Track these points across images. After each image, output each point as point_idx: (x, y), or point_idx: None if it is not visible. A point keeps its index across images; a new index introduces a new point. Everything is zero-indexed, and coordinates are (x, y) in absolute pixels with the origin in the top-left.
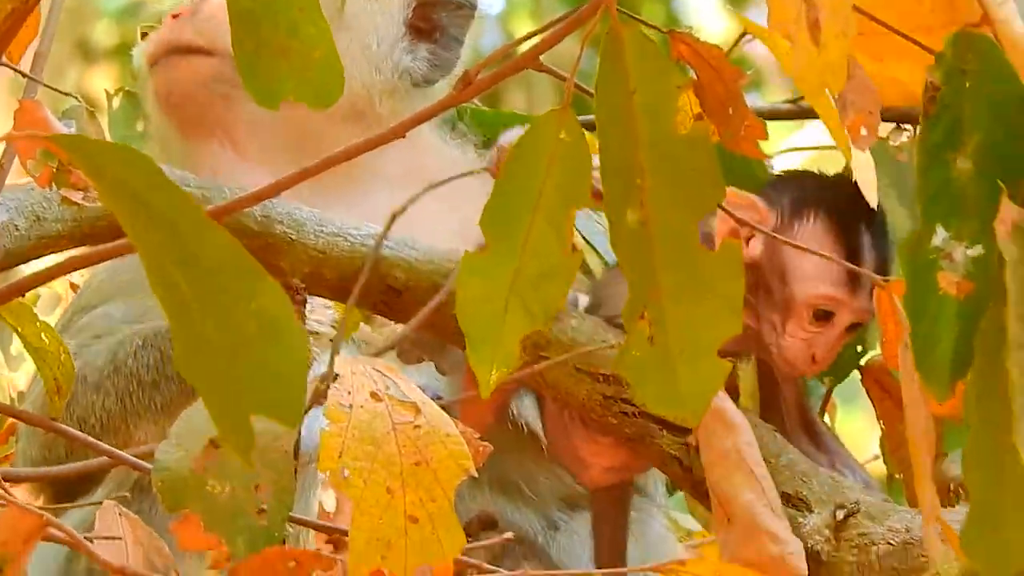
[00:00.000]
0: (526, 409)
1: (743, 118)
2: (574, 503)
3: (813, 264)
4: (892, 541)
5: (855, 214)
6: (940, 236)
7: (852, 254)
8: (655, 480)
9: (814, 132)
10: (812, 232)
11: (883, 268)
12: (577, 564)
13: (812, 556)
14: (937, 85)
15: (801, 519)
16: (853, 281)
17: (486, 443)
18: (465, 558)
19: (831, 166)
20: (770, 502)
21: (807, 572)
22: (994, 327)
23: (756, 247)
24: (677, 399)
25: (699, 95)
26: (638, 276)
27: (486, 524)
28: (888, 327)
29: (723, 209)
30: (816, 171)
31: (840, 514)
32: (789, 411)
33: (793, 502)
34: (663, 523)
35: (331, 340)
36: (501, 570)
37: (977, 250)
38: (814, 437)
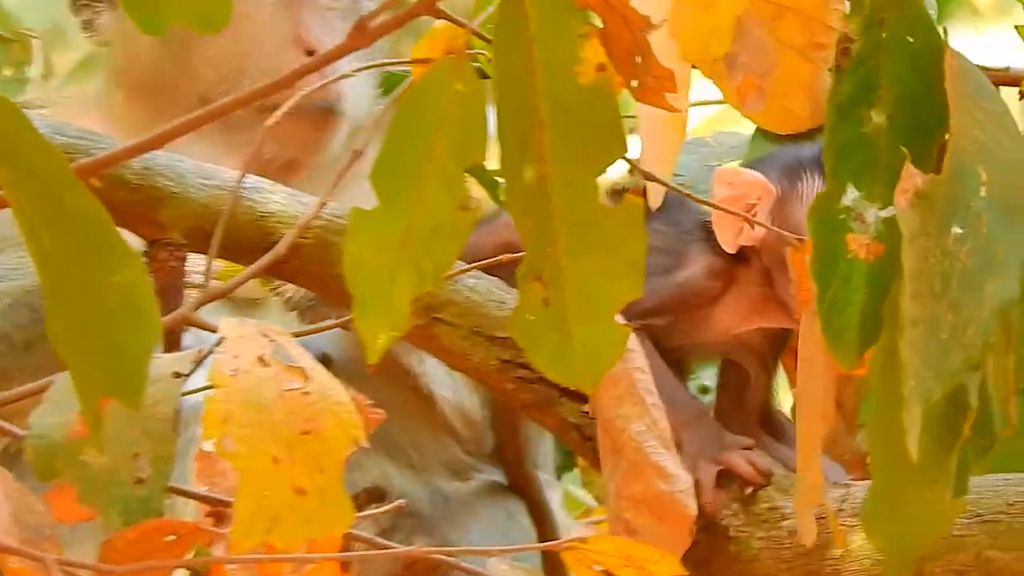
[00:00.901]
0: (431, 369)
1: (651, 69)
2: (464, 473)
3: None
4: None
5: None
6: (851, 195)
7: None
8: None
9: None
10: (815, 189)
11: None
12: (467, 536)
13: (720, 531)
14: (851, 36)
15: None
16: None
17: (379, 411)
18: (354, 531)
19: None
20: (661, 434)
21: (696, 513)
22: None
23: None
24: (572, 364)
25: (604, 44)
26: (534, 235)
27: (375, 496)
28: (804, 290)
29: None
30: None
31: (749, 487)
32: (753, 402)
33: None
34: (558, 499)
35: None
36: (391, 543)
37: (889, 211)
38: (775, 428)
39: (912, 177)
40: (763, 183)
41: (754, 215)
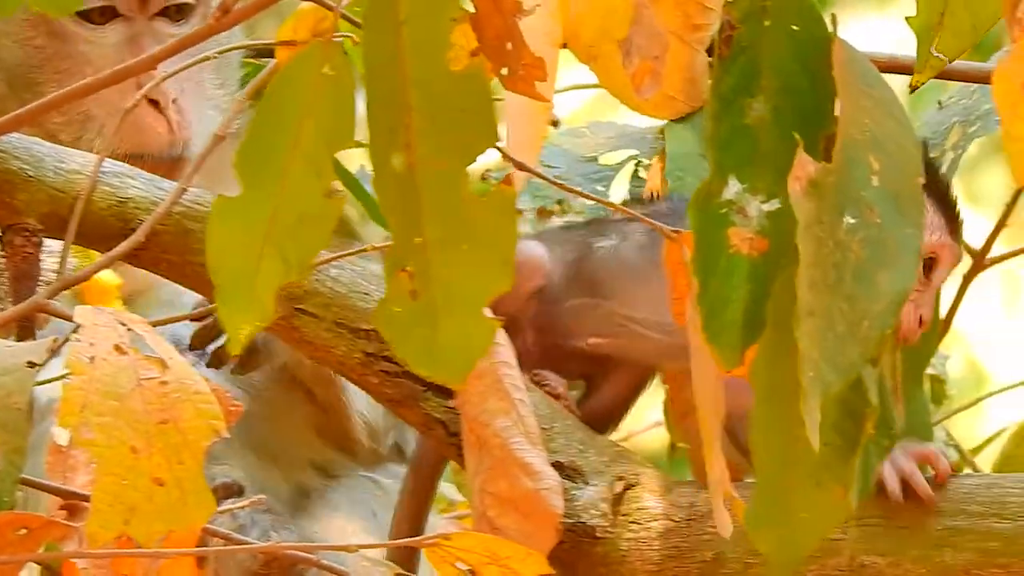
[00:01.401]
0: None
1: (522, 56)
2: (328, 471)
3: None
4: (674, 517)
5: (932, 166)
6: (733, 188)
7: (943, 201)
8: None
9: None
10: None
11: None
12: (327, 532)
13: (586, 532)
14: (734, 24)
15: (576, 491)
16: (952, 227)
17: (238, 403)
18: (211, 526)
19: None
20: (527, 430)
21: (562, 510)
22: (788, 290)
23: None
24: (439, 358)
25: (476, 29)
26: (402, 224)
27: (232, 491)
28: (677, 282)
29: None
30: None
31: (618, 487)
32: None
33: (567, 472)
34: None
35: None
36: (248, 540)
37: (773, 205)
38: None
39: (805, 165)
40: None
41: None
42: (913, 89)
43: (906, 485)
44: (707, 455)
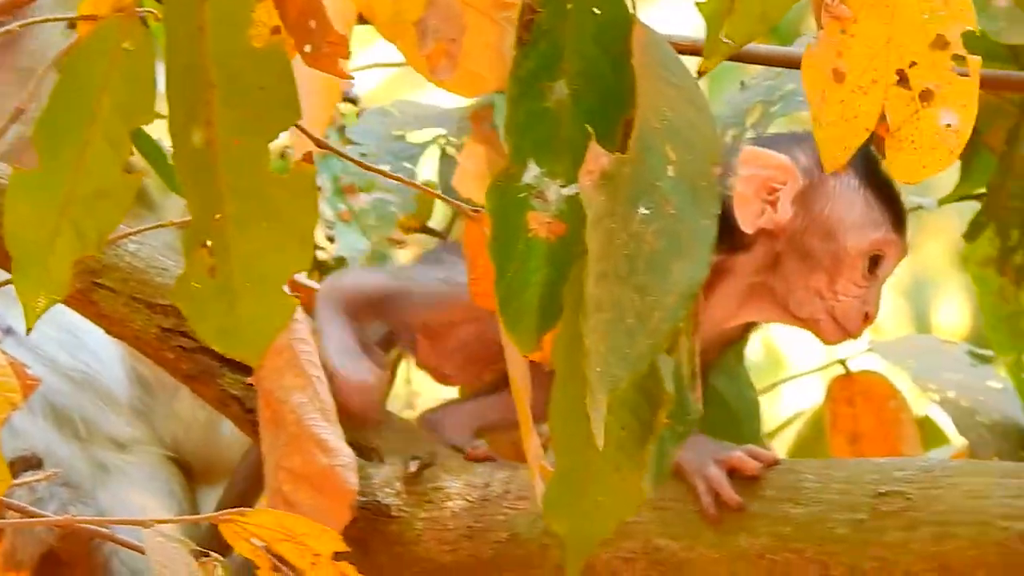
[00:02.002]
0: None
1: (326, 33)
2: (126, 446)
3: (860, 213)
4: (469, 497)
5: (872, 159)
6: (532, 172)
7: (887, 195)
8: None
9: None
10: (848, 184)
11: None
12: (125, 508)
13: (381, 511)
14: (535, 7)
15: (371, 469)
16: (898, 222)
17: (36, 377)
18: (8, 500)
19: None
20: (323, 407)
21: (357, 486)
22: (583, 276)
23: (786, 210)
24: (237, 335)
25: (279, 7)
26: (201, 201)
27: (30, 464)
28: (476, 262)
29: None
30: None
31: (413, 466)
32: None
33: (363, 451)
34: None
35: None
36: (44, 512)
37: (572, 189)
38: None
39: (598, 157)
40: (791, 168)
41: (776, 200)
42: (700, 74)
43: (717, 495)
44: (523, 432)
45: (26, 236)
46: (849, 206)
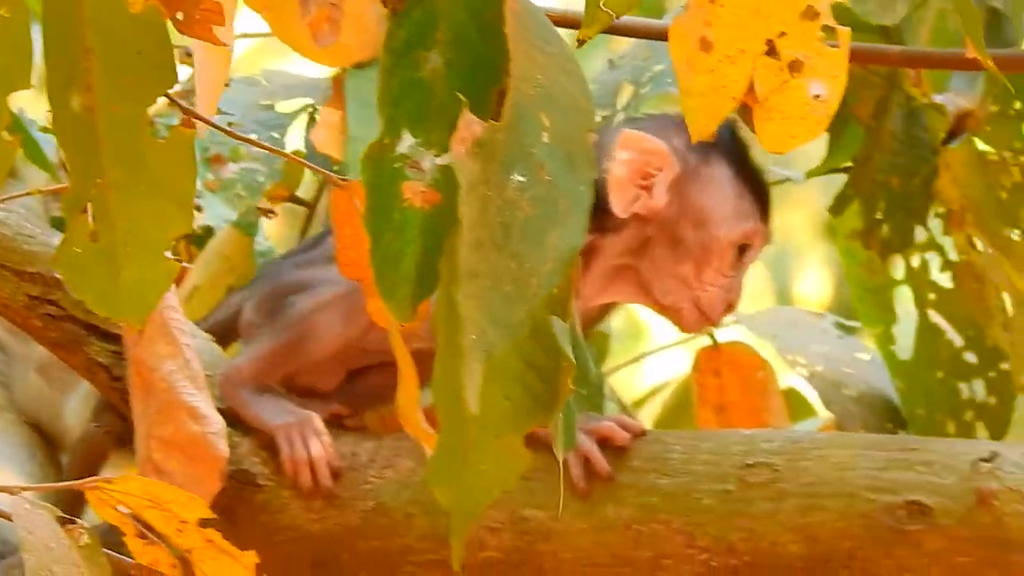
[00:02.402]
0: None
1: (199, 1)
2: None
3: (732, 203)
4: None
5: (743, 147)
6: (407, 142)
7: (755, 185)
8: None
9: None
10: (722, 173)
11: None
12: None
13: (248, 479)
14: None
15: (238, 438)
16: (766, 211)
17: None
18: None
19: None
20: (193, 374)
21: (227, 454)
22: (457, 245)
23: (661, 197)
24: (121, 299)
25: None
26: (82, 167)
27: None
28: (343, 232)
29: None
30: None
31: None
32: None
33: (230, 420)
34: None
35: None
36: None
37: (446, 159)
38: None
39: (470, 125)
40: (668, 154)
41: (651, 186)
42: (580, 43)
43: (588, 465)
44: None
45: None
46: (722, 196)
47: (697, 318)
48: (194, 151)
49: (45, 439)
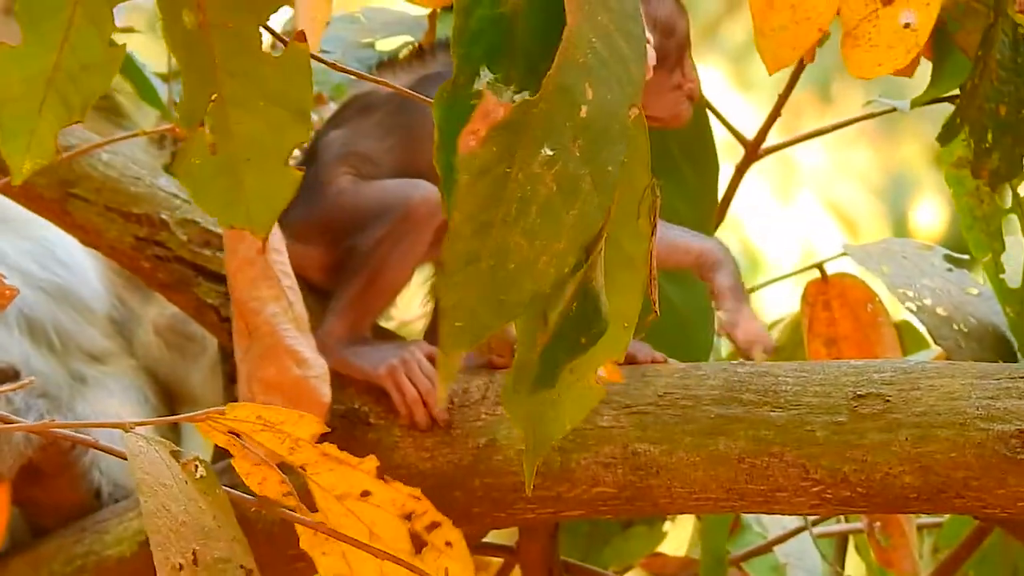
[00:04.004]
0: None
1: None
2: (103, 359)
3: (671, 5)
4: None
5: None
6: (484, 79)
7: None
8: None
9: None
10: None
11: None
12: (104, 419)
13: (359, 418)
14: None
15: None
16: None
17: (13, 287)
18: None
19: None
20: (296, 317)
21: (329, 398)
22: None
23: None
24: (243, 209)
25: None
26: (197, 82)
27: (7, 376)
28: None
29: None
30: None
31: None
32: None
33: None
34: None
35: None
36: (22, 420)
37: (524, 96)
38: None
39: (489, 113)
40: None
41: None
42: None
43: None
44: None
45: (14, 105)
46: (668, 4)
47: (688, 107)
48: (309, 64)
49: (161, 390)
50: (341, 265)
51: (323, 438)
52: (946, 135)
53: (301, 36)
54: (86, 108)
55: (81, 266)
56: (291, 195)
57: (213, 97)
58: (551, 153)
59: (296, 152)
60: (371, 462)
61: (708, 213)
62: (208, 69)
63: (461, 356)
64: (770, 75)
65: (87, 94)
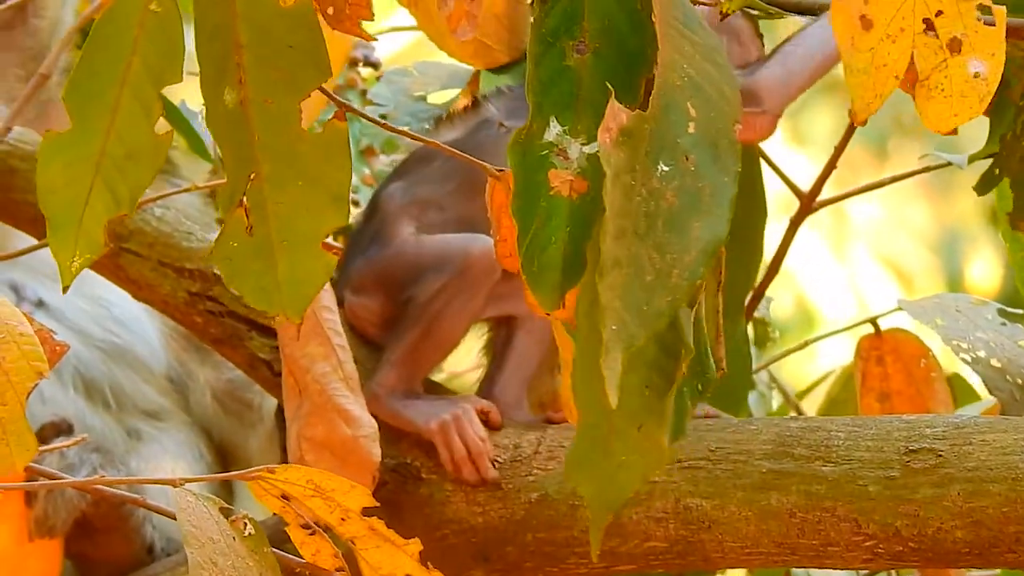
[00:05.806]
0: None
1: None
2: (158, 416)
3: None
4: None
5: None
6: (554, 130)
7: None
8: None
9: None
10: None
11: None
12: (155, 473)
13: (411, 473)
14: None
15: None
16: None
17: (64, 342)
18: (36, 465)
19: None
20: (346, 376)
21: (379, 457)
22: (601, 234)
23: None
24: (278, 293)
25: None
26: (236, 161)
27: (60, 430)
28: (502, 222)
29: None
30: None
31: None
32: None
33: None
34: None
35: None
36: (74, 475)
37: (593, 147)
38: None
39: (617, 114)
40: None
41: None
42: (723, 16)
43: None
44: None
45: (60, 197)
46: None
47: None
48: (348, 144)
49: (216, 448)
50: (398, 317)
51: (378, 493)
52: (984, 185)
53: (340, 115)
54: (134, 200)
55: (140, 324)
56: (325, 281)
57: (252, 176)
58: (667, 168)
59: (353, 211)
60: (415, 545)
61: (754, 264)
62: (247, 147)
63: (621, 360)
64: (857, 122)
65: (134, 185)
